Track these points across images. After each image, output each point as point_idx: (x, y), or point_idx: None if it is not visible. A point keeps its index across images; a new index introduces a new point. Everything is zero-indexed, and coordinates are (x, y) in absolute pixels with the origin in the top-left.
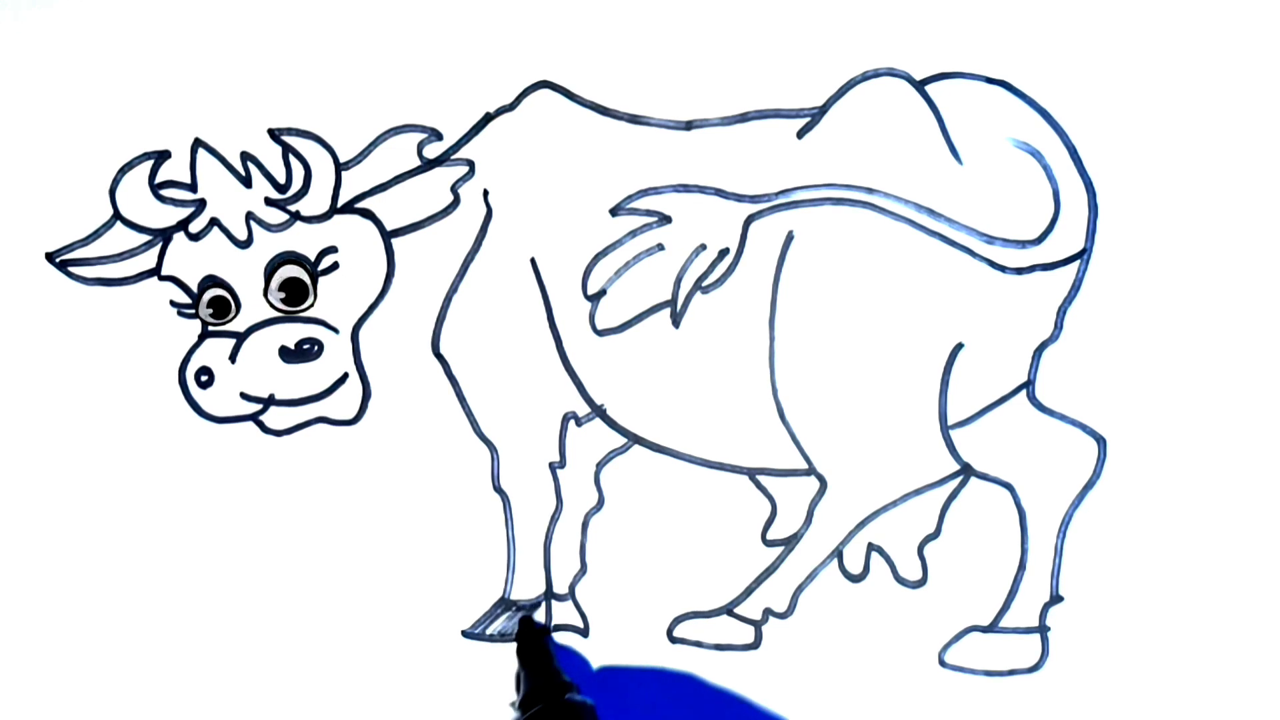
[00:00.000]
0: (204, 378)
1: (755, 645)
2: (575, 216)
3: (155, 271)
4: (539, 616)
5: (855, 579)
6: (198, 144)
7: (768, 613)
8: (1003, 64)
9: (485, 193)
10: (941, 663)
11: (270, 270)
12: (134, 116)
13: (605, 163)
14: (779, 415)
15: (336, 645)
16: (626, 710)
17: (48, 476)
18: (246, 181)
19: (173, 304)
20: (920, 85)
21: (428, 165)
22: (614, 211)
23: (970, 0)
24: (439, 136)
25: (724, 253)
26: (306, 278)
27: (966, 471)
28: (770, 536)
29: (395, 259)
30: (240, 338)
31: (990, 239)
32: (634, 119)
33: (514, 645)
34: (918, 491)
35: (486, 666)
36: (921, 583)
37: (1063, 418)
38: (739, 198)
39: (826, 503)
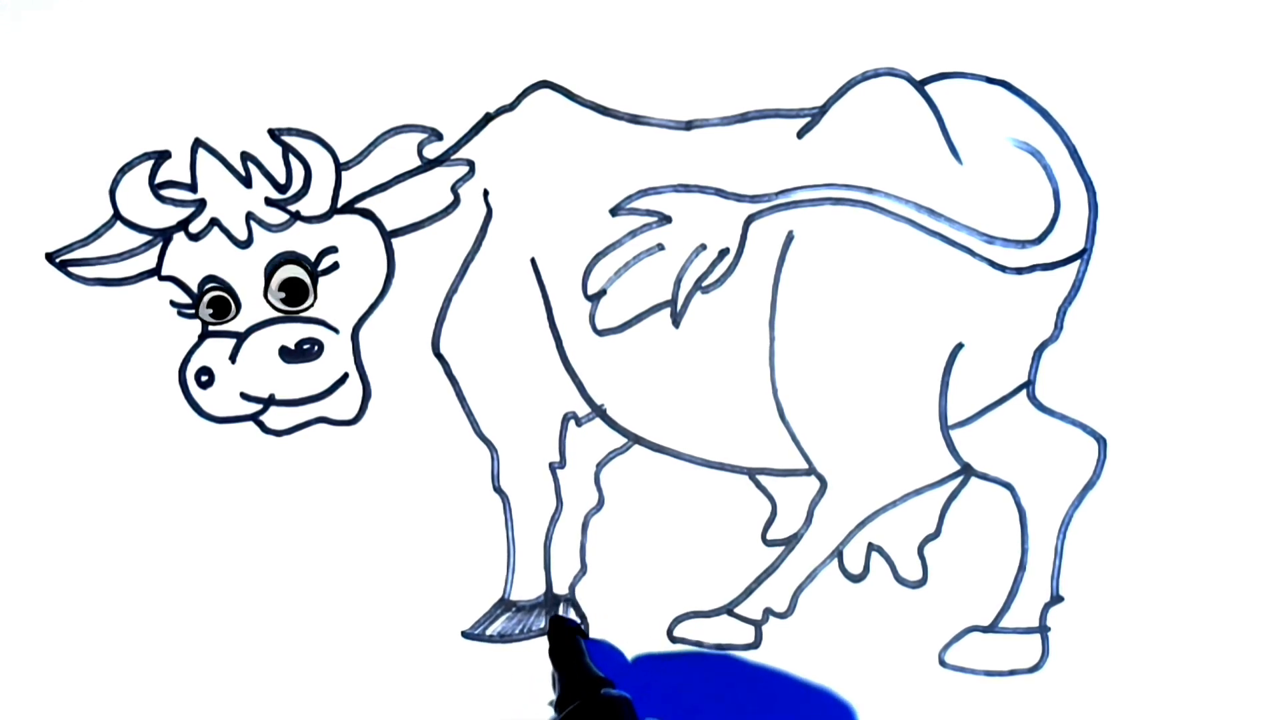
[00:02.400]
0: (204, 378)
1: (755, 645)
2: (575, 216)
3: (155, 271)
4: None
5: (855, 579)
6: (198, 144)
7: (768, 612)
8: (1003, 64)
9: (485, 193)
10: (941, 663)
11: (270, 270)
12: (134, 116)
13: (605, 163)
14: (779, 415)
15: (337, 645)
16: (666, 697)
17: (48, 476)
18: (246, 181)
19: (173, 304)
20: (920, 85)
21: (428, 165)
22: (614, 211)
23: (970, 0)
24: (439, 136)
25: (724, 253)
26: (306, 278)
27: (966, 471)
28: (770, 536)
29: (395, 259)
30: (240, 338)
31: (990, 239)
32: (634, 119)
33: (515, 644)
34: (918, 491)
35: (486, 666)
36: (921, 583)
37: (1063, 418)
38: (739, 198)
39: (826, 503)
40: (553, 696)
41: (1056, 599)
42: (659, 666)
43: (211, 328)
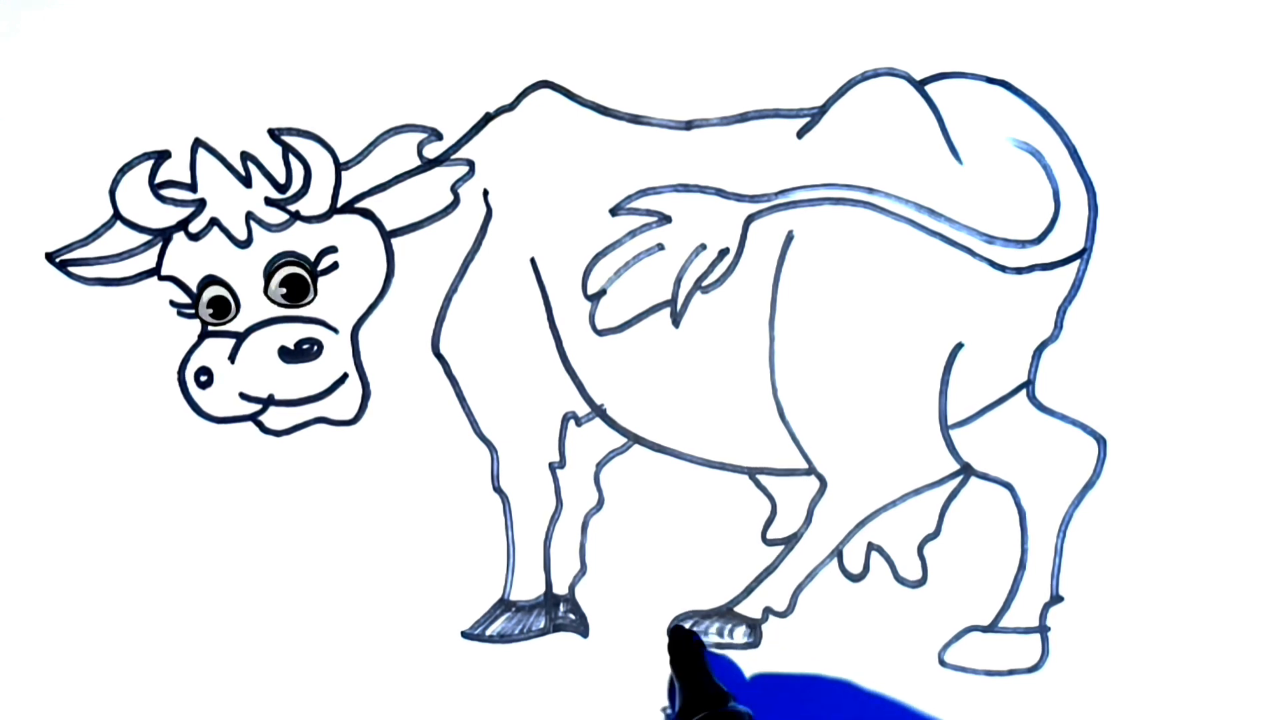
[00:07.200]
0: (204, 378)
1: (755, 644)
2: (575, 216)
3: (155, 271)
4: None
5: (855, 579)
6: (198, 144)
7: (768, 611)
8: (1003, 64)
9: (485, 193)
10: (941, 663)
11: (270, 270)
12: (134, 116)
13: (605, 163)
14: (779, 415)
15: (336, 645)
16: (783, 718)
17: (48, 476)
18: (246, 181)
19: (173, 304)
20: (920, 85)
21: (428, 165)
22: (614, 211)
23: (970, 0)
24: (439, 136)
25: (724, 253)
26: (307, 277)
27: (966, 471)
28: (770, 536)
29: (395, 259)
30: (240, 338)
31: (990, 239)
32: (634, 119)
33: (515, 644)
34: (918, 491)
35: (486, 667)
36: (921, 583)
37: (1063, 418)
38: (739, 198)
39: (826, 502)
40: (666, 704)
41: (1056, 599)
42: (776, 686)
43: (211, 328)
